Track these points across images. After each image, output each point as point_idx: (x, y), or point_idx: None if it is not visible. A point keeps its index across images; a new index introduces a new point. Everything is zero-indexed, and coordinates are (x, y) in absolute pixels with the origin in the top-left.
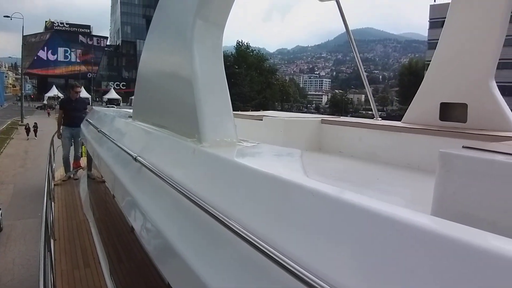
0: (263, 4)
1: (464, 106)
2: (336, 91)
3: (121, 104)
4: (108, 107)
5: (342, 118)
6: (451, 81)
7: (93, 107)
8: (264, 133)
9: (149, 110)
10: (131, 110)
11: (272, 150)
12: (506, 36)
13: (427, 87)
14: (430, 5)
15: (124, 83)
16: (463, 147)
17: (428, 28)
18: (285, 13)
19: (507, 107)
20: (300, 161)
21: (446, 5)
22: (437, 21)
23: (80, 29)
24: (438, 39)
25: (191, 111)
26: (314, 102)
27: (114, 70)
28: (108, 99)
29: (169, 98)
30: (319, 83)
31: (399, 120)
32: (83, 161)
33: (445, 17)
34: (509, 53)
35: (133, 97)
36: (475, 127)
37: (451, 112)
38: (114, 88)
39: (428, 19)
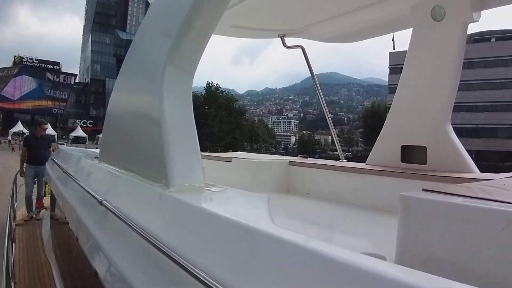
0: (233, 48)
1: (423, 149)
2: (304, 132)
3: (87, 142)
4: (75, 146)
5: (309, 160)
6: (410, 125)
7: (59, 146)
8: (233, 174)
9: (116, 153)
10: (97, 151)
11: (240, 195)
12: (460, 81)
13: (388, 131)
14: (390, 53)
15: (91, 121)
16: (422, 189)
17: (388, 73)
18: (255, 56)
19: (464, 149)
20: (267, 207)
21: (404, 52)
22: (396, 67)
23: (50, 66)
24: (397, 84)
25: (159, 156)
26: (282, 142)
27: (82, 108)
28: (74, 136)
29: (137, 141)
30: (287, 124)
31: (365, 160)
32: (46, 201)
33: (403, 64)
34: (465, 96)
35: (100, 136)
36: (435, 169)
37: (412, 154)
38: (81, 126)
39: (388, 65)
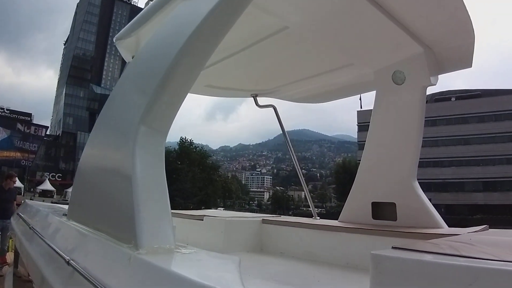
0: (207, 104)
1: (393, 205)
2: (277, 188)
3: (55, 196)
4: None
5: (283, 218)
6: (379, 182)
7: (26, 200)
8: (205, 233)
9: (86, 210)
10: (65, 207)
11: (211, 258)
12: (425, 138)
13: (358, 188)
14: (357, 111)
15: (60, 175)
16: (392, 247)
17: (357, 131)
18: (228, 113)
19: (431, 205)
20: (239, 270)
21: (371, 111)
22: (364, 125)
23: (21, 116)
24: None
25: (129, 216)
26: (256, 198)
27: (51, 161)
28: (41, 190)
29: (108, 200)
30: (261, 180)
31: (338, 216)
32: (10, 257)
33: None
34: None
35: (68, 190)
36: (405, 225)
37: (382, 211)
38: (49, 179)
39: (357, 123)
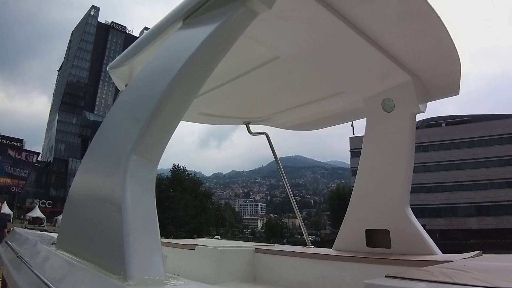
0: (201, 131)
1: (386, 233)
2: (271, 215)
3: (45, 224)
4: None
5: (276, 247)
6: (372, 209)
7: (15, 228)
8: (197, 263)
9: (75, 239)
10: (55, 235)
11: None
12: (418, 163)
13: (352, 215)
14: (350, 137)
15: (51, 202)
16: (386, 276)
17: (350, 157)
18: (222, 140)
19: (424, 231)
20: None
21: (363, 137)
22: (357, 151)
23: (12, 142)
24: None
25: (118, 246)
26: (249, 226)
27: (42, 187)
28: (31, 217)
29: (97, 229)
30: (254, 207)
31: (332, 244)
32: None
33: None
34: (424, 178)
35: (58, 217)
36: (399, 252)
37: (376, 238)
38: (39, 206)
39: (350, 149)
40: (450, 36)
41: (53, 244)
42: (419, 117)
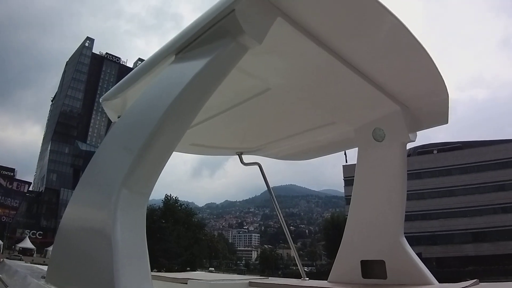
0: (194, 161)
1: (382, 263)
2: (265, 246)
3: (35, 255)
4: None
5: (271, 280)
6: (367, 240)
7: (5, 260)
8: None
9: (65, 273)
10: (45, 268)
11: None
12: (411, 191)
13: (346, 246)
14: (343, 165)
15: (41, 232)
16: None
17: (344, 185)
18: (215, 169)
19: (420, 261)
20: None
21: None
22: (350, 179)
23: (4, 171)
24: None
25: (108, 282)
26: (243, 258)
27: (33, 218)
28: (21, 248)
29: (87, 264)
30: (248, 238)
31: (328, 275)
32: None
33: None
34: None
35: (48, 248)
36: (395, 283)
37: (371, 269)
38: (29, 237)
39: (343, 178)
40: (436, 67)
41: (43, 277)
42: (411, 144)
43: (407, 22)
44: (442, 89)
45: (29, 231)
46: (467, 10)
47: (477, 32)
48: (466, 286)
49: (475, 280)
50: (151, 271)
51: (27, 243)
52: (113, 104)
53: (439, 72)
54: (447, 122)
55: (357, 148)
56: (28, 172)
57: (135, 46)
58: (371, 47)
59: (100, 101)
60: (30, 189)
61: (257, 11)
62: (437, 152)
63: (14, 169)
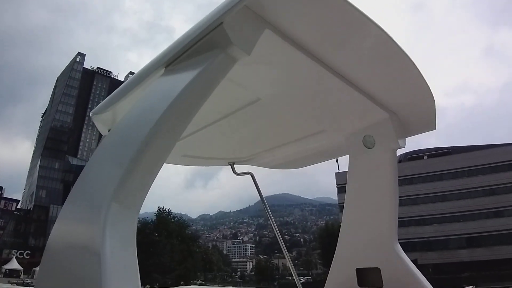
0: (187, 173)
1: (377, 271)
2: (261, 256)
3: (22, 276)
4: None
5: None
6: (361, 247)
7: None
8: None
9: None
10: None
11: None
12: (404, 196)
13: (341, 254)
14: (336, 173)
15: (29, 252)
16: None
17: (337, 192)
18: (208, 179)
19: (416, 268)
20: None
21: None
22: (343, 187)
23: None
24: None
25: None
26: (239, 269)
27: (20, 237)
28: (7, 269)
29: (74, 282)
30: (243, 248)
31: (323, 285)
32: None
33: None
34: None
35: (36, 269)
36: None
37: (367, 277)
38: (17, 257)
39: (336, 185)
40: (422, 76)
41: None
42: (402, 150)
43: (394, 32)
44: (429, 97)
45: (16, 251)
46: (451, 21)
47: (462, 41)
48: None
49: (472, 286)
50: (144, 286)
51: (13, 264)
52: (103, 118)
53: (424, 80)
54: (434, 128)
55: (348, 155)
56: (16, 190)
57: (128, 59)
58: (358, 57)
59: (90, 115)
60: (19, 207)
61: (245, 23)
62: (428, 158)
63: (2, 187)
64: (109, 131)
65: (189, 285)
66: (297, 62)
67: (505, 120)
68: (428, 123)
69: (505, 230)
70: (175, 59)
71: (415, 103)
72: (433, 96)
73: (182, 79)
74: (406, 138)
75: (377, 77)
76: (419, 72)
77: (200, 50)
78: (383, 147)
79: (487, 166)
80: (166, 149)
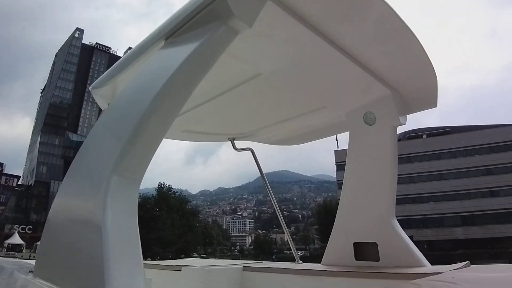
0: (188, 149)
1: (374, 245)
2: (259, 231)
3: (24, 250)
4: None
5: (265, 264)
6: (359, 222)
7: None
8: (183, 285)
9: (53, 266)
10: (33, 262)
11: None
12: (402, 174)
13: (339, 229)
14: (335, 151)
15: (31, 227)
16: None
17: (335, 170)
18: (208, 156)
19: (412, 243)
20: None
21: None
22: (342, 164)
23: None
24: None
25: (98, 272)
26: (238, 244)
27: (22, 212)
28: (10, 244)
29: (76, 254)
30: (242, 224)
31: (322, 258)
32: None
33: None
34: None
35: (38, 243)
36: (388, 265)
37: (364, 251)
38: (19, 232)
39: (335, 163)
40: (425, 52)
41: (31, 272)
42: (401, 129)
43: (398, 8)
44: (431, 73)
45: (18, 226)
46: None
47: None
48: (458, 268)
49: (467, 262)
50: (145, 259)
51: (16, 239)
52: (103, 91)
53: (427, 57)
54: (436, 105)
55: (348, 132)
56: (17, 166)
57: (127, 34)
58: (361, 31)
59: (90, 89)
60: (19, 182)
61: None
62: (427, 137)
63: (3, 163)
64: (108, 105)
65: (190, 258)
66: (299, 36)
67: (505, 99)
68: (429, 100)
69: (500, 210)
70: (175, 31)
71: (417, 80)
72: (435, 73)
73: (182, 51)
74: (407, 116)
75: (380, 53)
76: (422, 48)
77: (200, 22)
78: (384, 124)
79: (485, 146)
80: (166, 122)
